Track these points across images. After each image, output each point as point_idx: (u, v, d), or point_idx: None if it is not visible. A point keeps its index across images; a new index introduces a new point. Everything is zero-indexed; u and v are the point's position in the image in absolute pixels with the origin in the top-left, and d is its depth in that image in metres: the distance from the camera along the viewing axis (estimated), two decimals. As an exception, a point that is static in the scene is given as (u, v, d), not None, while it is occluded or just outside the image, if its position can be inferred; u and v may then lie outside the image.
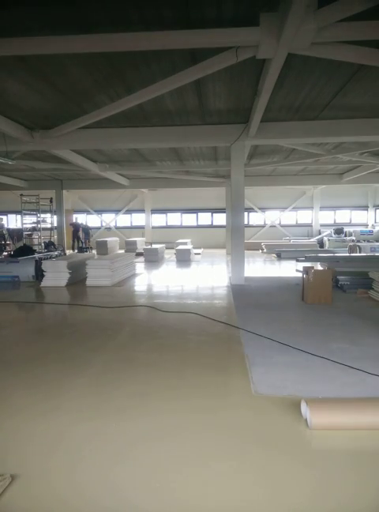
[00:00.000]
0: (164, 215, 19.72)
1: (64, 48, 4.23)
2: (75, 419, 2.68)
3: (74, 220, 17.70)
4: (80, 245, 16.76)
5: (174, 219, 19.75)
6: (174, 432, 2.50)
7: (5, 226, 18.11)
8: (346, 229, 16.98)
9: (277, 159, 12.14)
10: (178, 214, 19.63)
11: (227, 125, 7.90)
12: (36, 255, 10.54)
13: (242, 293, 7.20)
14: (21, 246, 11.82)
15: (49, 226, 15.97)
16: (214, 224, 19.30)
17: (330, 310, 5.78)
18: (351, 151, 10.16)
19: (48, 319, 5.78)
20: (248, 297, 6.84)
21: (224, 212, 16.24)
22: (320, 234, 17.97)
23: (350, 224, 18.40)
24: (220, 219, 18.50)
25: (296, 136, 7.91)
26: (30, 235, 15.27)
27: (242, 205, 8.24)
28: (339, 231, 16.76)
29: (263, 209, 18.94)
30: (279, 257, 13.89)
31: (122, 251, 16.59)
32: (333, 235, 16.64)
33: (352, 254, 12.93)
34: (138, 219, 19.92)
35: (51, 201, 15.45)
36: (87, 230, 17.51)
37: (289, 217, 19.10)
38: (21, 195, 14.60)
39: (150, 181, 16.39)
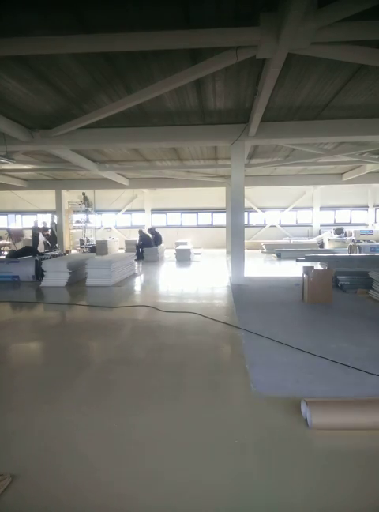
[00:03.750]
0: (164, 215, 19.71)
1: (64, 48, 4.23)
2: (75, 418, 2.68)
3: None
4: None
5: (174, 219, 19.73)
6: (172, 431, 2.50)
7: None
8: (346, 229, 16.97)
9: (277, 159, 12.14)
10: (178, 214, 19.62)
11: (227, 125, 7.90)
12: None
13: (242, 293, 7.19)
14: (26, 247, 11.80)
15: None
16: (214, 224, 19.28)
17: (330, 310, 5.78)
18: (351, 151, 10.16)
19: (47, 319, 5.78)
20: (248, 297, 6.84)
21: (224, 212, 16.21)
22: (320, 234, 17.96)
23: (350, 224, 18.38)
24: (220, 219, 18.48)
25: (296, 136, 7.91)
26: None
27: (242, 205, 8.24)
28: (339, 231, 16.76)
29: (263, 209, 18.92)
30: (279, 257, 13.89)
31: (122, 251, 16.62)
32: (333, 235, 16.63)
33: (352, 254, 12.92)
34: (138, 219, 19.91)
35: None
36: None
37: (289, 217, 19.08)
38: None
39: (150, 181, 16.37)
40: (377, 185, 17.20)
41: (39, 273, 8.74)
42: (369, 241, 15.25)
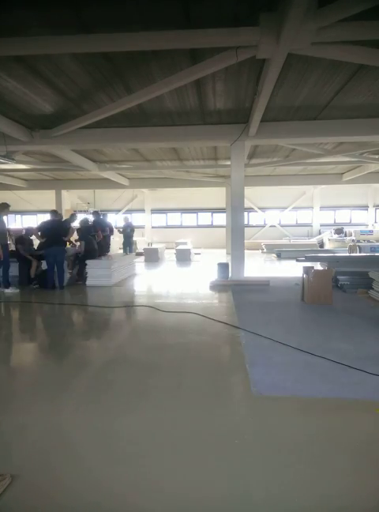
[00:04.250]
0: (164, 215, 19.72)
1: (64, 48, 4.23)
2: (75, 417, 2.68)
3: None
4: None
5: (174, 219, 19.74)
6: (172, 432, 2.49)
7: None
8: (346, 229, 16.97)
9: (277, 159, 12.14)
10: (178, 214, 19.63)
11: (227, 125, 7.90)
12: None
13: (242, 293, 7.19)
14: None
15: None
16: (214, 224, 19.29)
17: (330, 310, 5.78)
18: (351, 151, 10.17)
19: (47, 319, 5.78)
20: (248, 297, 6.84)
21: (224, 212, 16.22)
22: (320, 234, 17.96)
23: (350, 224, 18.38)
24: (220, 219, 18.48)
25: (296, 136, 7.92)
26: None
27: (242, 205, 8.25)
28: (339, 231, 16.75)
29: (263, 209, 18.92)
30: (279, 257, 13.89)
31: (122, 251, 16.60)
32: (333, 235, 16.63)
33: (352, 254, 12.92)
34: (138, 219, 19.91)
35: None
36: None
37: (289, 217, 19.08)
38: None
39: (150, 181, 16.38)
40: (377, 185, 17.21)
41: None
42: (369, 241, 15.24)
